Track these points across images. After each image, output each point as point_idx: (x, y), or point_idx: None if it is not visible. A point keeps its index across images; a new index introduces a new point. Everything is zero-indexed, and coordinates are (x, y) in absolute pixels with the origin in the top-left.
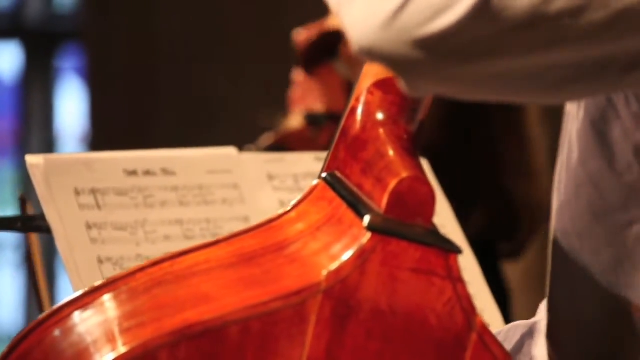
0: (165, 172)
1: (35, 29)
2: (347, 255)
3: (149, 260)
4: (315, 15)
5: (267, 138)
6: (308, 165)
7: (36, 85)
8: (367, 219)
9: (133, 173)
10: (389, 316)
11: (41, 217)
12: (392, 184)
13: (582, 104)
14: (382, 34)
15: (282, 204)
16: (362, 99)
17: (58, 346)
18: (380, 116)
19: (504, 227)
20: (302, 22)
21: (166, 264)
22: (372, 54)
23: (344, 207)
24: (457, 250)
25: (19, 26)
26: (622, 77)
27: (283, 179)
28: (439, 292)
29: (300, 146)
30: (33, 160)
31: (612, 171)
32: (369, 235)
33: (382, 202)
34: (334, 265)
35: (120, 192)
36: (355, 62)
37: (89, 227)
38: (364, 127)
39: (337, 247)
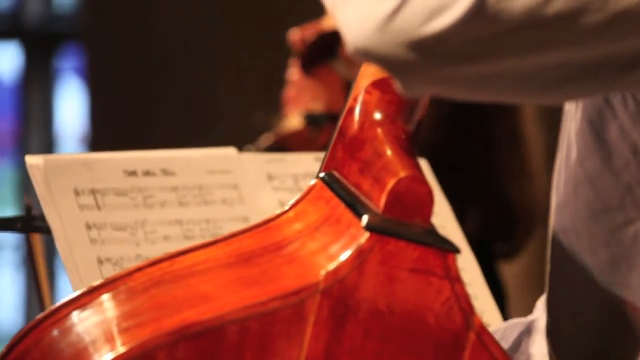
0: (165, 172)
1: (34, 29)
2: (345, 255)
3: (147, 260)
4: (316, 15)
5: (266, 138)
6: (308, 166)
7: (36, 85)
8: (365, 218)
9: (133, 173)
10: (387, 316)
11: (41, 217)
12: (390, 183)
13: (580, 104)
14: (378, 36)
15: (282, 204)
16: (360, 99)
17: (56, 346)
18: (378, 116)
19: (499, 228)
20: (302, 22)
21: (164, 264)
22: (368, 55)
23: (341, 206)
24: (455, 250)
25: (18, 27)
26: (618, 78)
27: (283, 179)
28: (437, 292)
29: (299, 146)
30: (33, 160)
31: (609, 170)
32: (367, 235)
33: (380, 202)
34: (332, 265)
35: (120, 193)
36: (355, 62)
37: (88, 227)
38: (361, 126)
39: (335, 247)
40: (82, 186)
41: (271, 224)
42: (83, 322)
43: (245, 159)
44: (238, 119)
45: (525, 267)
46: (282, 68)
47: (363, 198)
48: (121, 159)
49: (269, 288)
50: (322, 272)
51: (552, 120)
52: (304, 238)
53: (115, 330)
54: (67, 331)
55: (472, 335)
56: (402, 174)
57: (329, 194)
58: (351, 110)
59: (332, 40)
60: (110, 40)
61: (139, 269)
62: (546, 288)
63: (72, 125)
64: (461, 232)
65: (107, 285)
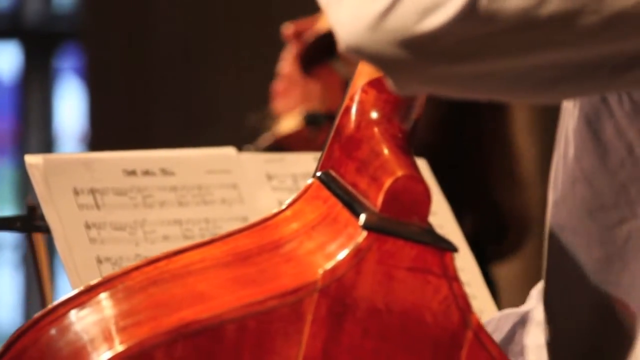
0: (164, 172)
1: (34, 29)
2: (343, 254)
3: (144, 259)
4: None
5: (265, 139)
6: (307, 166)
7: (35, 85)
8: (362, 217)
9: (132, 173)
10: (385, 314)
11: (40, 216)
12: (388, 182)
13: (578, 102)
14: (370, 34)
15: (281, 204)
16: (356, 98)
17: (54, 345)
18: (374, 115)
19: (489, 233)
20: None
21: (162, 263)
22: (360, 53)
23: (339, 206)
24: (453, 249)
25: (18, 26)
26: (613, 78)
27: (282, 179)
28: (435, 291)
29: (299, 146)
30: (32, 160)
31: (605, 169)
32: (364, 234)
33: (378, 201)
34: (329, 264)
35: (119, 192)
36: (355, 62)
37: (88, 227)
38: (358, 125)
39: (332, 246)
40: (81, 186)
41: (268, 223)
42: (81, 320)
43: (244, 158)
44: (237, 118)
45: (519, 270)
46: None
47: (360, 197)
48: (120, 159)
49: (266, 287)
50: (320, 271)
51: (543, 129)
52: (301, 237)
53: (113, 329)
54: (65, 330)
55: (469, 334)
56: (399, 173)
57: (326, 193)
58: (348, 110)
59: (331, 40)
60: (109, 40)
61: (137, 268)
62: (543, 283)
63: (72, 125)
64: (460, 231)
65: (105, 284)
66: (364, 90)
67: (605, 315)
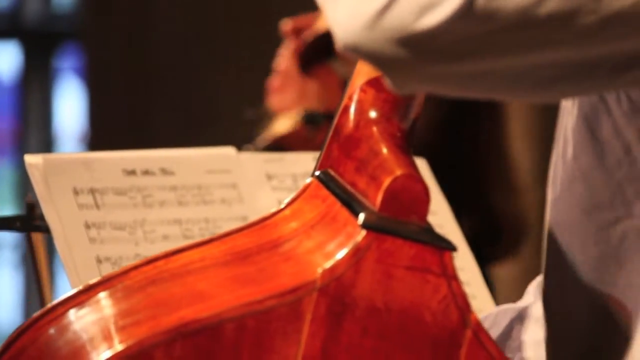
0: (164, 171)
1: (34, 29)
2: (342, 253)
3: (140, 258)
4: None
5: (262, 139)
6: (307, 165)
7: (35, 85)
8: (361, 216)
9: (132, 173)
10: (384, 313)
11: (40, 216)
12: (387, 181)
13: (576, 100)
14: (367, 32)
15: (281, 203)
16: (355, 97)
17: (53, 344)
18: (373, 114)
19: (485, 235)
20: None
21: (160, 262)
22: (357, 52)
23: (338, 205)
24: (452, 248)
25: (17, 26)
26: (612, 78)
27: (282, 178)
28: (434, 290)
29: (298, 146)
30: (32, 160)
31: (601, 167)
32: (363, 233)
33: (377, 200)
34: (329, 263)
35: (119, 192)
36: (354, 62)
37: (87, 226)
38: (357, 125)
39: (331, 245)
40: (81, 185)
41: (267, 222)
42: (80, 320)
43: (244, 158)
44: (237, 118)
45: (514, 272)
46: None
47: (359, 196)
48: (120, 159)
49: (265, 286)
50: (319, 270)
51: (537, 136)
52: (300, 236)
53: (112, 328)
54: (64, 329)
55: (468, 333)
56: (398, 172)
57: (324, 192)
58: (346, 109)
59: (330, 40)
60: (109, 40)
61: (135, 267)
62: (543, 282)
63: (71, 125)
64: (460, 231)
65: (104, 283)
66: (362, 90)
67: (602, 314)
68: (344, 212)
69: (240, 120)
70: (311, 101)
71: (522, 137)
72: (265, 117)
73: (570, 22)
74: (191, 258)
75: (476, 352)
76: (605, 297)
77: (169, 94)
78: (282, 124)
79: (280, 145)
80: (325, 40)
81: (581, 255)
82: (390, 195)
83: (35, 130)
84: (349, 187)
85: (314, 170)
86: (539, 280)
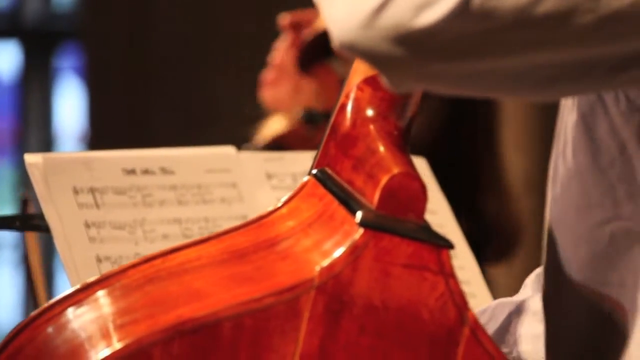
0: (164, 171)
1: (33, 28)
2: (340, 251)
3: (140, 257)
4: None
5: (259, 138)
6: (306, 164)
7: (35, 84)
8: (359, 214)
9: (132, 172)
10: (381, 311)
11: (40, 216)
12: (384, 180)
13: (575, 98)
14: (364, 31)
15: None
16: (352, 96)
17: (51, 343)
18: (370, 112)
19: (477, 239)
20: None
21: (158, 261)
22: (353, 50)
23: (335, 203)
24: (449, 246)
25: (17, 26)
26: (610, 78)
27: (281, 177)
28: (431, 287)
29: (297, 145)
30: (32, 159)
31: (595, 167)
32: (361, 231)
33: (374, 198)
34: (326, 261)
35: (119, 191)
36: (353, 61)
37: (87, 226)
38: (354, 123)
39: (329, 244)
40: (81, 185)
41: (264, 220)
42: (78, 318)
43: (244, 157)
44: (237, 118)
45: (508, 274)
46: None
47: (356, 194)
48: (120, 158)
49: (263, 284)
50: (317, 268)
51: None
52: (297, 235)
53: (110, 326)
54: (62, 328)
55: (466, 331)
56: (396, 170)
57: (322, 190)
58: (343, 107)
59: (329, 40)
60: (109, 39)
61: (133, 266)
62: (543, 280)
63: (71, 124)
64: (460, 230)
65: (101, 282)
66: (359, 88)
67: (598, 313)
68: (341, 211)
69: (240, 119)
70: (305, 97)
71: (514, 142)
72: (264, 117)
73: (567, 22)
74: (188, 257)
75: (474, 350)
76: (600, 297)
77: (168, 93)
78: (276, 124)
79: (280, 144)
80: (325, 39)
81: (576, 254)
82: (388, 193)
83: (35, 130)
84: (346, 186)
85: (311, 169)
86: (536, 273)
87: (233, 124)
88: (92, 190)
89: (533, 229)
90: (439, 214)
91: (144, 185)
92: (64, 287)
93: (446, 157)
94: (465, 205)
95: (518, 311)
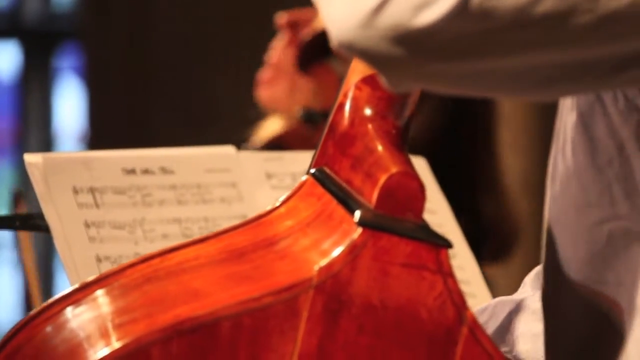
0: (164, 170)
1: (33, 28)
2: (338, 250)
3: (138, 256)
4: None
5: (255, 139)
6: (306, 164)
7: (34, 84)
8: (357, 214)
9: (131, 172)
10: (380, 311)
11: (39, 215)
12: (382, 179)
13: (574, 97)
14: (362, 30)
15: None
16: (350, 95)
17: (50, 342)
18: (368, 112)
19: (477, 237)
20: None
21: (156, 261)
22: (352, 50)
23: (333, 202)
24: (448, 245)
25: (17, 26)
26: (609, 78)
27: (281, 177)
28: (430, 287)
29: (297, 144)
30: (31, 159)
31: (593, 166)
32: (359, 230)
33: (373, 198)
34: (325, 261)
35: (119, 191)
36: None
37: (87, 225)
38: (352, 122)
39: (327, 243)
40: (80, 184)
41: (262, 220)
42: (76, 318)
43: (243, 157)
44: (237, 118)
45: (504, 275)
46: None
47: (355, 194)
48: (120, 158)
49: (261, 284)
50: (315, 268)
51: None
52: (295, 234)
53: (109, 325)
54: (60, 327)
55: (464, 330)
56: (394, 169)
57: (320, 190)
58: (341, 106)
59: (328, 39)
60: (108, 39)
61: (131, 266)
62: (542, 279)
63: (71, 124)
64: (459, 230)
65: (100, 281)
66: (357, 87)
67: (596, 312)
68: (340, 210)
69: (240, 119)
70: (302, 96)
71: (512, 142)
72: (263, 117)
73: (566, 22)
74: (186, 256)
75: (472, 349)
76: (598, 296)
77: (168, 93)
78: (272, 125)
79: (279, 143)
80: (324, 38)
81: (574, 253)
82: (386, 192)
83: (35, 130)
84: (344, 185)
85: (309, 168)
86: (536, 271)
87: (233, 124)
88: (91, 190)
89: (531, 229)
90: (439, 214)
91: (143, 185)
92: (64, 287)
93: (444, 157)
94: (464, 205)
95: (518, 310)
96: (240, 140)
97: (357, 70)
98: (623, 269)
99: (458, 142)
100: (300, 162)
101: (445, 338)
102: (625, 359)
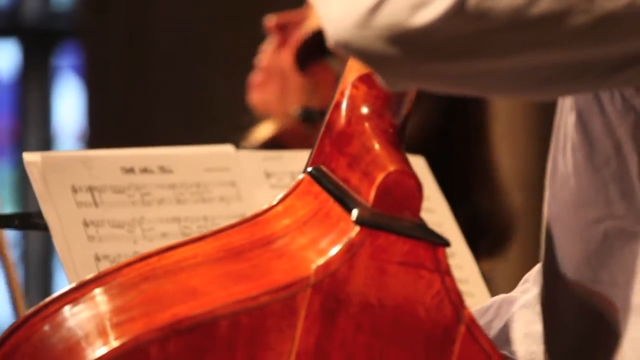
0: (163, 169)
1: (32, 27)
2: (336, 249)
3: (136, 255)
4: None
5: (255, 136)
6: (305, 163)
7: (34, 83)
8: (355, 212)
9: (130, 171)
10: (377, 309)
11: (38, 214)
12: (380, 177)
13: (574, 96)
14: (359, 30)
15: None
16: (347, 93)
17: (48, 341)
18: (365, 110)
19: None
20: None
21: (153, 259)
22: (348, 49)
23: (330, 201)
24: (445, 244)
25: (16, 24)
26: (607, 78)
27: (280, 176)
28: (428, 285)
29: (295, 143)
30: (30, 157)
31: (590, 165)
32: (357, 229)
33: (370, 196)
34: (322, 259)
35: (118, 190)
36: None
37: (86, 224)
38: (349, 121)
39: (324, 241)
40: (79, 183)
41: (259, 218)
42: (74, 316)
43: (242, 156)
44: (236, 117)
45: (501, 271)
46: None
47: (352, 192)
48: (119, 156)
49: (259, 283)
50: (313, 267)
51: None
52: (293, 233)
53: (107, 324)
54: (58, 326)
55: (462, 328)
56: (391, 167)
57: (317, 188)
58: (338, 105)
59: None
60: (108, 38)
61: (128, 264)
62: (541, 278)
63: (70, 123)
64: (458, 229)
65: (97, 280)
66: (354, 86)
67: (592, 312)
68: (337, 209)
69: (240, 118)
70: (294, 98)
71: (503, 142)
72: (260, 119)
73: (562, 23)
74: (184, 255)
75: (469, 347)
76: (593, 295)
77: (167, 92)
78: (266, 129)
79: (278, 143)
80: (322, 37)
81: (571, 252)
82: (383, 191)
83: (34, 129)
84: (341, 183)
85: (306, 167)
86: (538, 268)
87: (232, 124)
88: (90, 189)
89: (525, 223)
90: (438, 213)
91: (142, 184)
92: (63, 286)
93: (438, 153)
94: (458, 201)
95: (522, 309)
96: (238, 139)
97: (354, 68)
98: (618, 268)
99: (451, 138)
100: (299, 161)
101: (442, 336)
102: (621, 358)
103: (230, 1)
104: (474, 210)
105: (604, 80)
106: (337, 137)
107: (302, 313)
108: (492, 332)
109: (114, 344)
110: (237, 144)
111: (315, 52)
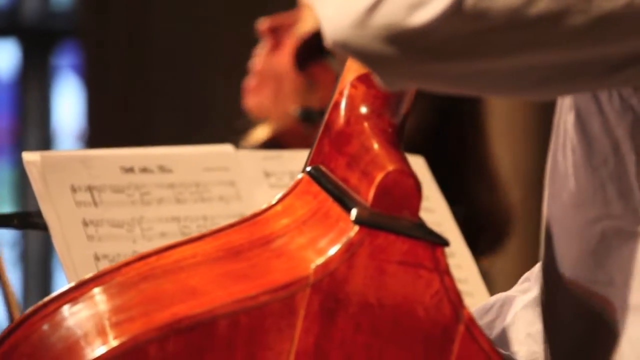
0: (162, 169)
1: (32, 26)
2: (335, 248)
3: (135, 254)
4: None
5: (251, 139)
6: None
7: (33, 83)
8: (354, 212)
9: (130, 170)
10: (377, 309)
11: (38, 214)
12: (379, 177)
13: (573, 96)
14: (356, 29)
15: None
16: (346, 93)
17: (47, 340)
18: (364, 110)
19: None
20: None
21: (152, 259)
22: (346, 49)
23: (329, 201)
24: (444, 243)
25: (16, 24)
26: (604, 78)
27: (279, 176)
28: (427, 285)
29: (294, 143)
30: (30, 157)
31: (588, 165)
32: (356, 228)
33: (369, 196)
34: (321, 259)
35: (117, 189)
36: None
37: (85, 224)
38: (348, 121)
39: (324, 241)
40: (79, 183)
41: (258, 218)
42: (73, 316)
43: (242, 156)
44: (235, 117)
45: (499, 267)
46: None
47: (351, 192)
48: (118, 156)
49: (258, 282)
50: (312, 266)
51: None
52: (292, 232)
53: (106, 324)
54: (57, 325)
55: (461, 328)
56: (390, 167)
57: (316, 188)
58: (337, 105)
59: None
60: (107, 38)
61: (127, 264)
62: (541, 277)
63: (70, 123)
64: (457, 229)
65: (96, 280)
66: (353, 85)
67: (590, 312)
68: (336, 208)
69: (239, 118)
70: (289, 101)
71: (501, 138)
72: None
73: (559, 23)
74: (183, 254)
75: (468, 347)
76: (591, 295)
77: (167, 91)
78: (262, 132)
79: (277, 142)
80: (322, 37)
81: (569, 252)
82: (382, 190)
83: (34, 128)
84: (340, 183)
85: (305, 166)
86: (539, 267)
87: (232, 124)
88: (90, 189)
89: (523, 219)
90: (437, 212)
91: (142, 184)
92: (62, 285)
93: (436, 150)
94: (457, 197)
95: (525, 309)
96: (238, 139)
97: (353, 68)
98: (615, 268)
99: (448, 137)
100: (298, 160)
101: (441, 336)
102: (620, 358)
103: (230, 1)
104: (472, 207)
105: (602, 80)
106: (336, 136)
107: (302, 312)
108: (495, 331)
109: (113, 343)
110: (237, 144)
111: (314, 52)
